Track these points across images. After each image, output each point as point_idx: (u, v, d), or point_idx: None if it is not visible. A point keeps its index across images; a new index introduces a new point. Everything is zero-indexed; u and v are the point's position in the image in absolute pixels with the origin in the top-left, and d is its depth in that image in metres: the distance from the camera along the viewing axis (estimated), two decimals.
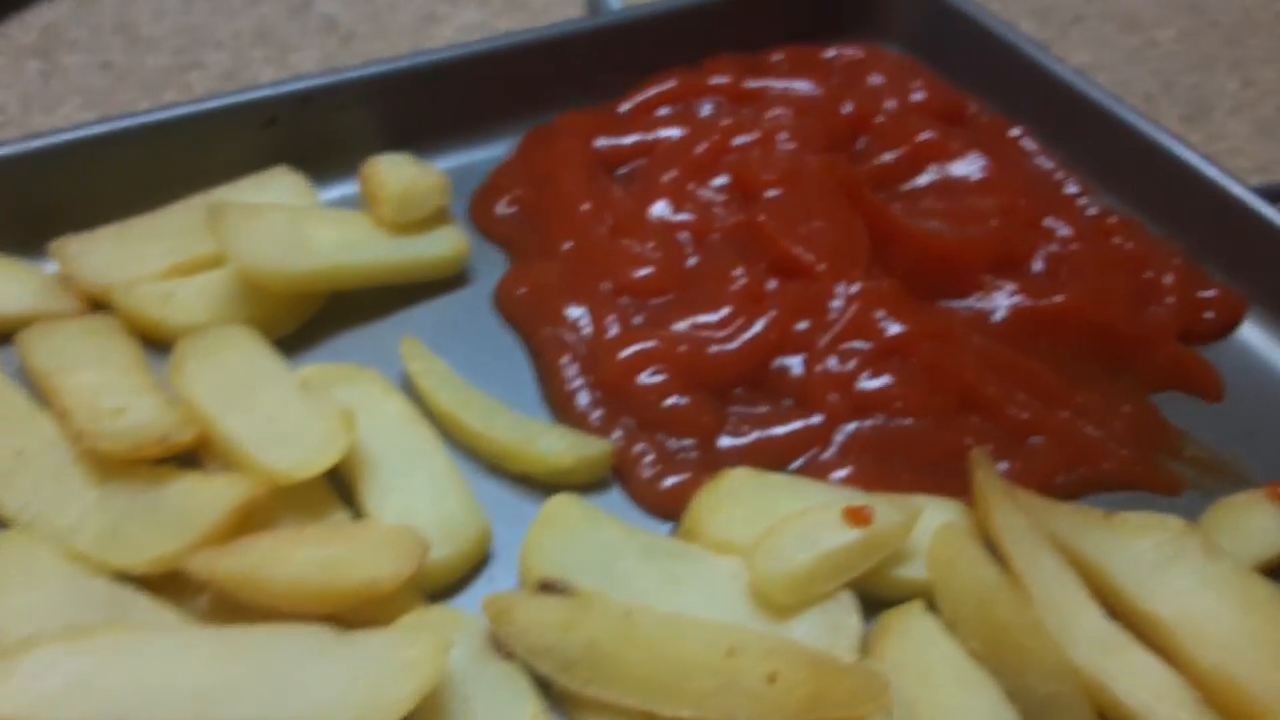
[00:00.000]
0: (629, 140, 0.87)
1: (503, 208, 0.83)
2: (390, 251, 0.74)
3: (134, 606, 0.55)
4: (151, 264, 0.71)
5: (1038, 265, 0.83)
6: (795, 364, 0.72)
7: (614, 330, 0.73)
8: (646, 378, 0.70)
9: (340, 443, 0.59)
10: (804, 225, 0.77)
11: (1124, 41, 1.19)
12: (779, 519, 0.61)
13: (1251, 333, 0.82)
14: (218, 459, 0.61)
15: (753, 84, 0.92)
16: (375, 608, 0.55)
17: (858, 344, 0.72)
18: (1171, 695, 0.57)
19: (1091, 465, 0.71)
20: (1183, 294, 0.82)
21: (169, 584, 0.56)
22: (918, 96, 0.94)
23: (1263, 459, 0.73)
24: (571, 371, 0.72)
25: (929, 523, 0.62)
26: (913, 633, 0.59)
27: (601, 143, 0.86)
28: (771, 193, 0.79)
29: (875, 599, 0.61)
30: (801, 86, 0.92)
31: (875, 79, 0.96)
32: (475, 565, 0.62)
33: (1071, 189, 0.91)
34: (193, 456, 0.62)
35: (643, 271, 0.76)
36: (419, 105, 0.86)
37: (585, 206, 0.79)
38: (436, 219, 0.77)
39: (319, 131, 0.82)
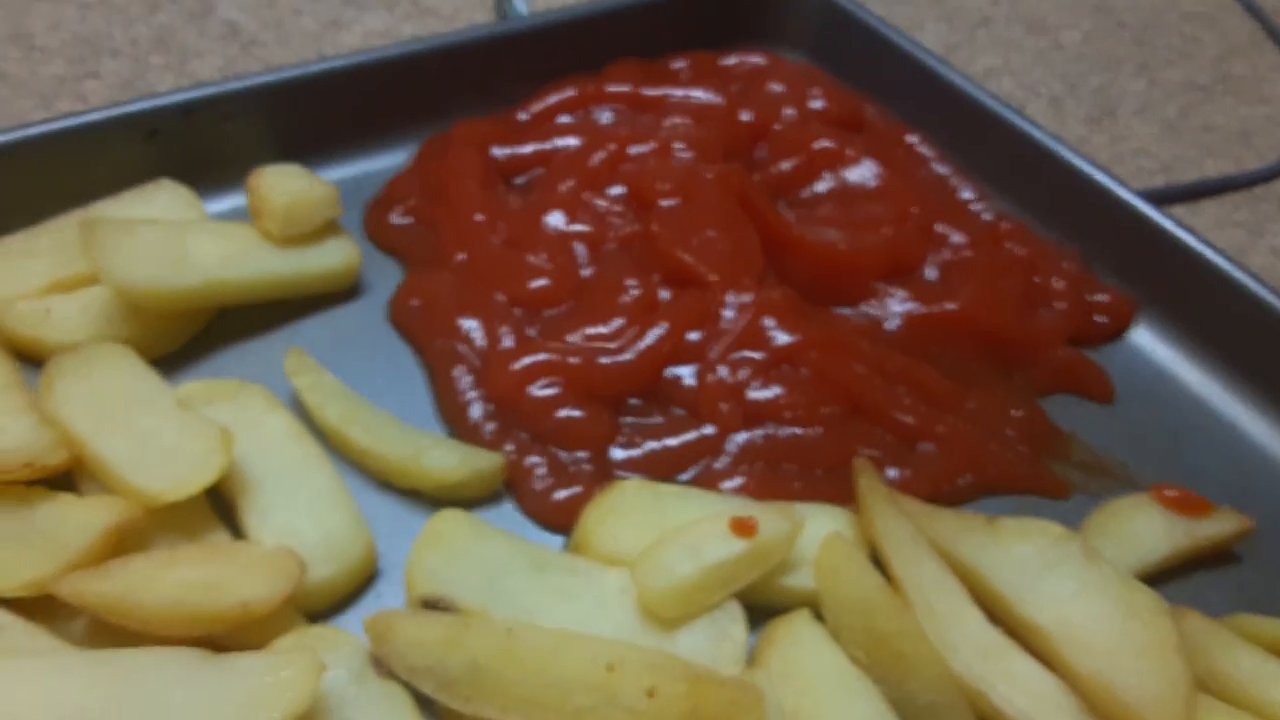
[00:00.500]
0: (527, 149, 0.87)
1: (397, 218, 0.82)
2: (277, 265, 0.73)
3: (8, 630, 0.54)
4: (31, 280, 0.69)
5: (930, 272, 0.84)
6: (688, 374, 0.72)
7: (507, 342, 0.72)
8: (538, 390, 0.70)
9: (217, 462, 0.59)
10: (697, 235, 0.77)
11: (1031, 43, 1.21)
12: (665, 531, 0.61)
13: (1142, 336, 0.85)
14: (92, 480, 0.60)
15: (652, 92, 0.92)
16: (253, 630, 0.55)
17: (749, 353, 0.73)
18: (1050, 701, 0.58)
19: (980, 470, 0.73)
20: (1074, 298, 0.84)
21: (42, 608, 0.55)
22: (816, 104, 0.95)
23: (1150, 462, 0.75)
24: (465, 384, 0.71)
25: (817, 531, 0.63)
26: (798, 641, 0.60)
27: (499, 152, 0.86)
28: (666, 203, 0.80)
29: (764, 607, 0.62)
30: (701, 95, 0.92)
31: (775, 86, 0.96)
32: (361, 583, 0.62)
33: (966, 195, 0.92)
34: (67, 478, 0.60)
35: (537, 283, 0.76)
36: (314, 114, 0.85)
37: (479, 217, 0.79)
38: (327, 230, 0.76)
39: (207, 142, 0.81)
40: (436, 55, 0.90)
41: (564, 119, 0.90)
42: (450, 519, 0.62)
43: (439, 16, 1.14)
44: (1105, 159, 1.04)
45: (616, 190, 0.82)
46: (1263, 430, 0.77)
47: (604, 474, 0.68)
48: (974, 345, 0.80)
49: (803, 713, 0.56)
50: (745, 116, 0.91)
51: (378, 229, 0.82)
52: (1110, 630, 0.59)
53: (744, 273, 0.76)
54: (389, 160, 0.88)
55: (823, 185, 0.89)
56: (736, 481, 0.69)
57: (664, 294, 0.75)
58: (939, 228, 0.85)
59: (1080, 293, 0.85)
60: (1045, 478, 0.73)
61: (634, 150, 0.85)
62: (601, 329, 0.73)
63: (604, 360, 0.71)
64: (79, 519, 0.56)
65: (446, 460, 0.65)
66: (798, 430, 0.71)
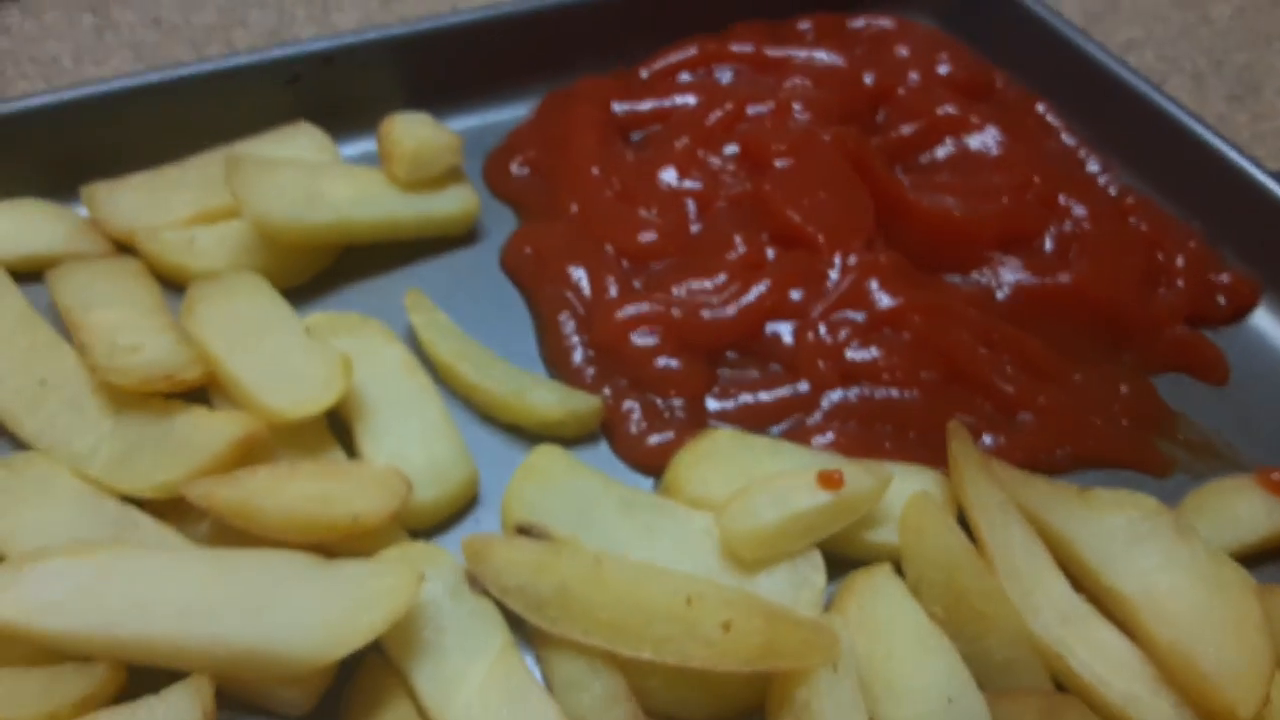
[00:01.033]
0: (646, 106, 0.88)
1: (516, 168, 0.85)
2: (402, 208, 0.77)
3: (139, 528, 0.59)
4: (175, 211, 0.75)
5: (1048, 243, 0.83)
6: (787, 331, 0.73)
7: (612, 291, 0.75)
8: (640, 338, 0.72)
9: (338, 387, 0.63)
10: (809, 196, 0.78)
11: (1178, 16, 1.17)
12: (753, 480, 0.63)
13: (1263, 319, 0.82)
14: (224, 396, 0.65)
15: (775, 52, 0.92)
16: (361, 541, 0.59)
17: (850, 314, 0.73)
18: (1128, 669, 0.58)
19: (1079, 443, 0.72)
20: (1195, 277, 0.82)
21: (173, 510, 0.60)
22: (943, 70, 0.94)
23: (1259, 447, 0.74)
24: (569, 329, 0.74)
25: (904, 490, 0.64)
26: (877, 593, 0.61)
27: (619, 108, 0.88)
28: (780, 163, 0.81)
29: (845, 561, 0.63)
30: (824, 57, 0.93)
31: (901, 50, 0.96)
32: (461, 508, 0.65)
33: (1092, 167, 0.90)
34: (202, 393, 0.65)
35: (645, 236, 0.78)
36: (442, 66, 0.89)
37: (594, 170, 0.81)
38: (450, 177, 0.80)
39: (342, 90, 0.85)
40: (563, 11, 0.92)
41: (684, 77, 0.91)
42: (549, 454, 0.65)
43: None
44: (1245, 138, 1.00)
45: (731, 149, 0.83)
46: None
47: (697, 422, 0.70)
48: (1086, 320, 0.79)
49: (877, 662, 0.58)
50: (868, 79, 0.91)
51: (496, 178, 0.85)
52: (1194, 602, 0.59)
53: (853, 235, 0.76)
54: (511, 113, 0.91)
55: (943, 151, 0.89)
56: (827, 438, 0.69)
57: (770, 253, 0.76)
58: (1062, 199, 0.84)
59: (1202, 272, 0.83)
60: (1148, 453, 0.72)
61: (752, 110, 0.85)
62: (705, 283, 0.75)
63: (705, 314, 0.73)
64: (210, 430, 0.61)
65: (547, 399, 0.68)
66: (893, 392, 0.71)
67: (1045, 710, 0.57)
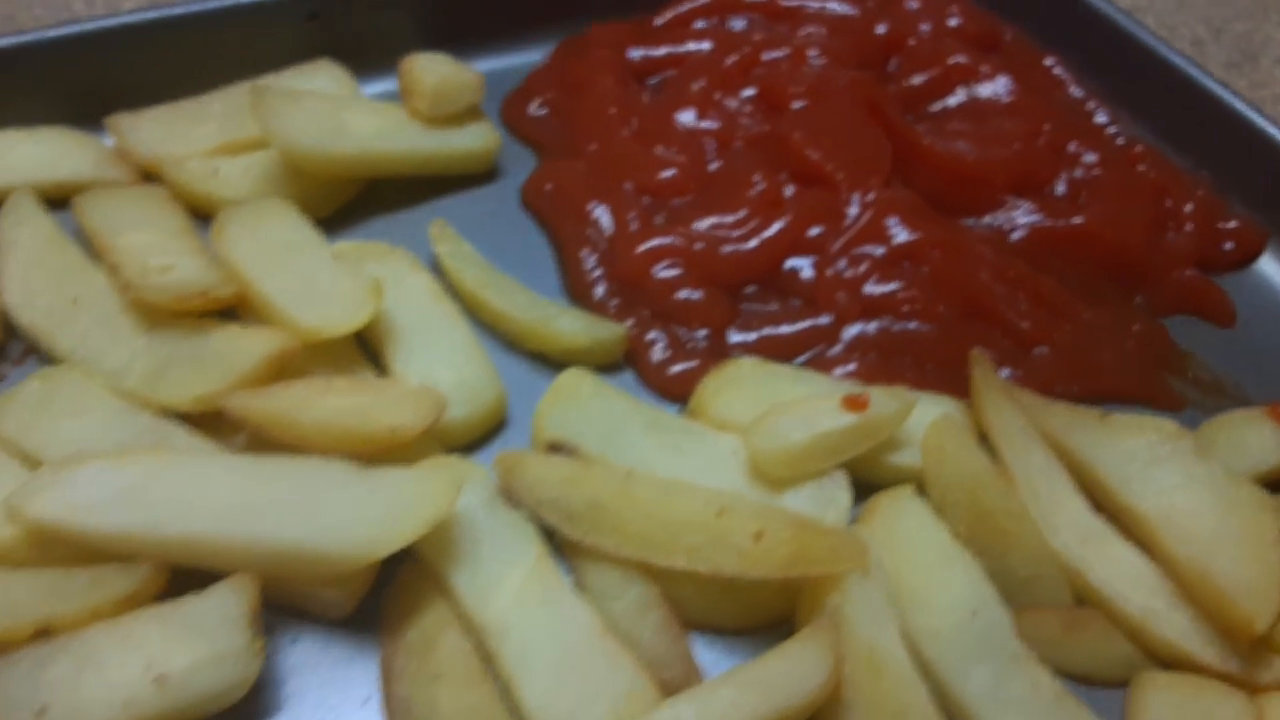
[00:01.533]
0: (660, 52, 0.89)
1: (534, 109, 0.86)
2: (424, 142, 0.77)
3: (176, 438, 0.59)
4: (200, 142, 0.75)
5: (1059, 188, 0.84)
6: (806, 266, 0.74)
7: (634, 226, 0.75)
8: (662, 271, 0.73)
9: (369, 306, 0.63)
10: (827, 136, 0.79)
11: None
12: (777, 405, 0.64)
13: (1270, 265, 0.84)
14: (255, 316, 0.65)
15: (788, 2, 0.93)
16: (397, 453, 0.59)
17: (870, 249, 0.74)
18: (1146, 584, 0.60)
19: (1094, 378, 0.73)
20: (1202, 223, 0.84)
21: (209, 423, 0.60)
22: (953, 22, 0.95)
23: (1267, 386, 0.75)
24: (591, 263, 0.75)
25: (925, 415, 0.65)
26: (901, 512, 0.62)
27: (634, 53, 0.89)
28: (798, 105, 0.81)
29: (869, 484, 0.64)
30: (837, 6, 0.94)
31: (913, 3, 0.97)
32: (491, 428, 0.66)
33: (1101, 118, 0.92)
34: (232, 314, 0.66)
35: (665, 173, 0.79)
36: (461, 9, 0.89)
37: (612, 110, 0.82)
38: (470, 115, 0.80)
39: (362, 28, 0.86)
40: None
41: (699, 25, 0.92)
42: (577, 376, 0.66)
43: None
44: None
45: (747, 92, 0.84)
46: None
47: (720, 353, 0.71)
48: (1098, 262, 0.80)
49: (903, 576, 0.59)
50: (880, 29, 0.92)
51: (515, 118, 0.86)
52: (1211, 520, 0.60)
53: (871, 174, 0.77)
54: (527, 57, 0.92)
55: (954, 100, 0.90)
56: (848, 368, 0.70)
57: (789, 191, 0.77)
58: (1071, 146, 0.85)
59: (1210, 218, 0.84)
60: (1160, 390, 0.74)
61: (767, 56, 0.86)
62: (726, 218, 0.75)
63: (726, 248, 0.74)
64: (245, 345, 0.61)
65: (573, 326, 0.69)
66: (912, 325, 0.72)
67: (1067, 623, 0.58)
